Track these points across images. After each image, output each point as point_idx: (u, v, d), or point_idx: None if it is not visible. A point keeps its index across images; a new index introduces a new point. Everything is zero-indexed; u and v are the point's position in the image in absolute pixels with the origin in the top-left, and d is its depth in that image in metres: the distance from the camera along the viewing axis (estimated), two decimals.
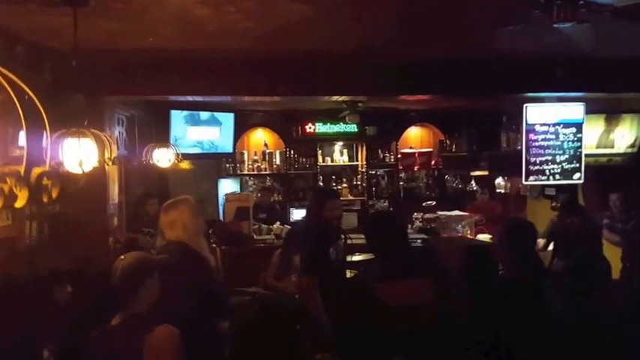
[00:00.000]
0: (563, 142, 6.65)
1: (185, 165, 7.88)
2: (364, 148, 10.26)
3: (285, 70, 5.79)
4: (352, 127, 9.77)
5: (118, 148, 5.90)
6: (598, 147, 7.24)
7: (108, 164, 3.93)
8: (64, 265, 3.85)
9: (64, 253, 4.76)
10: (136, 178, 7.41)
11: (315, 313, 4.23)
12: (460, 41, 5.11)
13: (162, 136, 7.62)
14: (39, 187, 1.80)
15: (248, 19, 4.16)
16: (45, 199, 1.87)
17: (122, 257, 2.77)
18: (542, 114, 6.65)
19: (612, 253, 6.12)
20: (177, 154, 6.91)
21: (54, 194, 1.91)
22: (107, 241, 5.90)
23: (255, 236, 8.06)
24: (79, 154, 3.51)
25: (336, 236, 4.70)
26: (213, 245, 5.68)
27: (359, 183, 10.34)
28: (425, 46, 5.24)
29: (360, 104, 8.16)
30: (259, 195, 9.12)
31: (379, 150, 10.25)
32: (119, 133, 6.71)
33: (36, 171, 1.79)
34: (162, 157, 6.73)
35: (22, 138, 1.82)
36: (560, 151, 6.65)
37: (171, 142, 7.35)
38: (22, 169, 1.75)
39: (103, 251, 5.55)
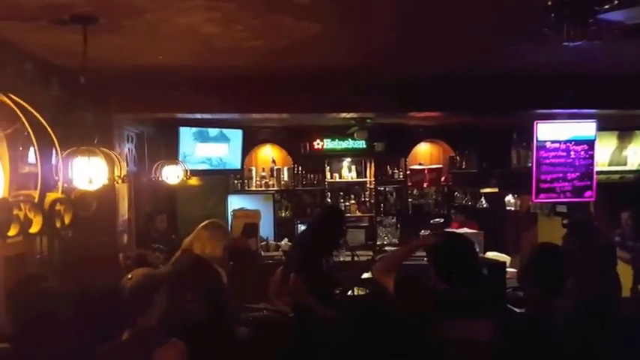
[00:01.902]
0: (574, 159, 6.54)
1: (193, 181, 7.89)
2: (373, 164, 10.18)
3: (293, 88, 5.80)
4: (360, 143, 9.71)
5: (127, 165, 5.93)
6: (610, 164, 7.19)
7: (118, 182, 3.95)
8: (74, 283, 3.84)
9: (74, 269, 4.76)
10: (145, 195, 7.43)
11: (307, 305, 4.53)
12: (470, 58, 5.10)
13: (171, 153, 7.64)
14: (52, 213, 1.82)
15: (256, 36, 4.17)
16: (58, 225, 1.89)
17: (129, 277, 2.79)
18: (553, 131, 6.56)
19: (622, 270, 6.05)
20: (186, 171, 6.94)
21: (67, 220, 1.93)
22: (117, 257, 5.90)
23: (262, 253, 8.06)
24: (88, 172, 3.53)
25: (332, 252, 4.99)
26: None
27: (367, 199, 10.25)
28: (434, 62, 5.23)
29: (368, 120, 8.13)
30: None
31: (388, 166, 10.16)
32: (128, 150, 6.74)
33: (50, 197, 1.80)
34: (172, 174, 6.77)
35: (31, 155, 1.82)
36: (572, 169, 6.54)
37: (180, 159, 7.38)
38: (36, 195, 1.76)
39: (114, 267, 5.54)
